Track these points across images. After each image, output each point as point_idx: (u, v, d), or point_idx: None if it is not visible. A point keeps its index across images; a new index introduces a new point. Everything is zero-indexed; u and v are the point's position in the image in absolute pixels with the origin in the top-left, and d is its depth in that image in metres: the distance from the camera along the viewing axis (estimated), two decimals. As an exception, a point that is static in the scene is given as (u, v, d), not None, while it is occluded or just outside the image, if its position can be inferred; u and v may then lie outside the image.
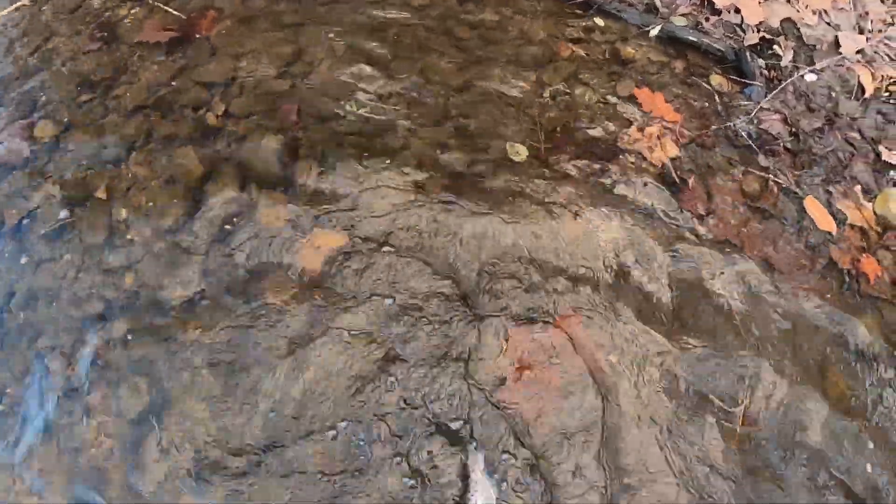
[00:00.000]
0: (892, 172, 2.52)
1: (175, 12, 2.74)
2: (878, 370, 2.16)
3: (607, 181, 2.14)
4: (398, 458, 1.76)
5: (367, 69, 2.40)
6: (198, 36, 2.66)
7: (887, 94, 2.72)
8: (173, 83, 2.52)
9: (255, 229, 2.12)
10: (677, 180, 2.15)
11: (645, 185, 2.12)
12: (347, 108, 2.31)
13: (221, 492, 1.76)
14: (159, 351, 1.92)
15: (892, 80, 2.76)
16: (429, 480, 1.72)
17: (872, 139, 2.56)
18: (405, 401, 1.82)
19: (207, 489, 1.77)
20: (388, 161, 2.19)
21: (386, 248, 2.04)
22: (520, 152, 2.15)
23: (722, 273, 2.07)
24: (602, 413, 1.83)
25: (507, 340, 1.86)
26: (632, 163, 2.18)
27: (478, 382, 1.83)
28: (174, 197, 2.24)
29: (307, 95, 2.38)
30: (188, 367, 1.92)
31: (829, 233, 2.28)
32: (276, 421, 1.82)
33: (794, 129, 2.42)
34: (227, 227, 2.14)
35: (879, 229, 2.40)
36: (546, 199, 2.09)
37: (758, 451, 1.91)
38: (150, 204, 2.23)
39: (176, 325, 2.00)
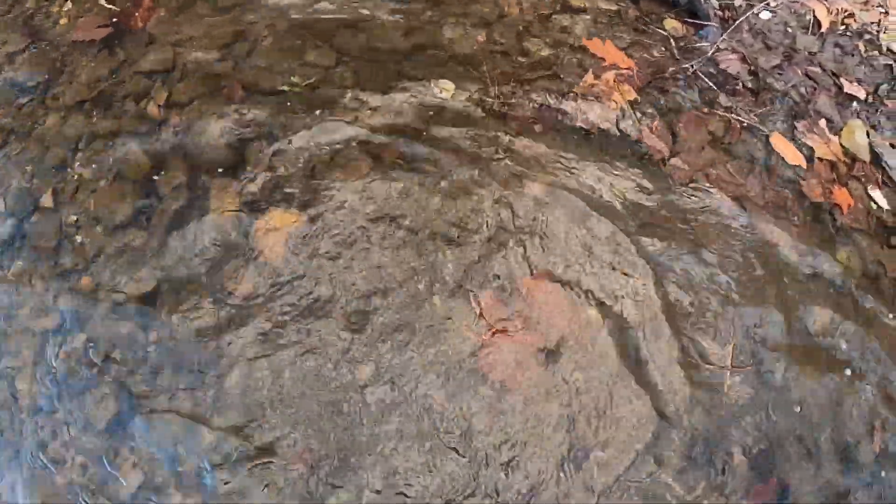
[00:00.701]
0: (854, 104, 2.48)
1: (109, 6, 2.62)
2: (857, 301, 2.12)
3: (566, 130, 2.07)
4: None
5: (312, 41, 2.31)
6: (134, 27, 2.55)
7: (843, 27, 2.69)
8: (113, 78, 2.41)
9: (207, 218, 2.03)
10: (638, 124, 2.09)
11: (604, 131, 2.05)
12: (293, 80, 2.22)
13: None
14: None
15: (847, 14, 2.73)
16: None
17: (833, 73, 2.53)
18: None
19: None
20: (340, 133, 2.11)
21: (347, 220, 1.96)
22: (446, 88, 2.08)
23: (694, 212, 2.02)
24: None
25: (479, 305, 1.79)
26: (590, 110, 2.11)
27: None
28: (123, 195, 2.14)
29: (251, 74, 2.29)
30: (157, 369, 1.83)
31: (799, 167, 2.24)
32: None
33: (752, 68, 2.38)
34: (179, 219, 2.05)
35: (848, 161, 2.36)
36: (505, 155, 2.02)
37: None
38: (100, 205, 2.13)
39: (137, 326, 1.91)
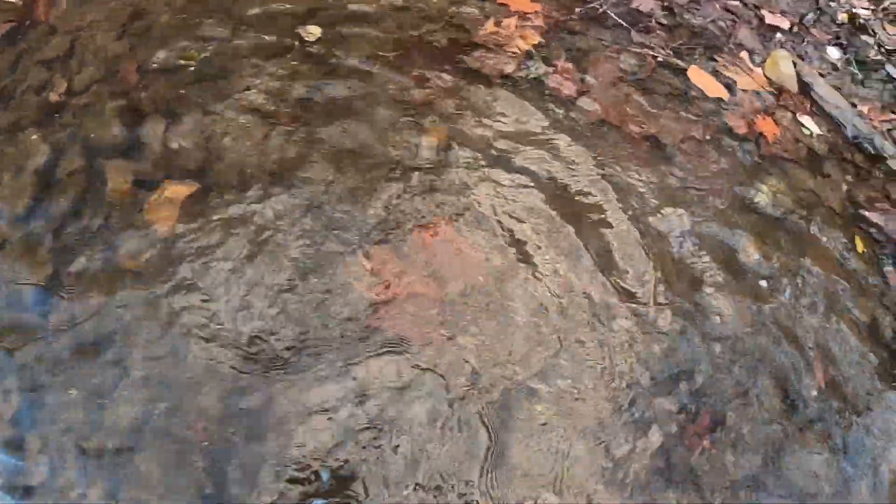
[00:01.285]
0: (778, 35, 2.41)
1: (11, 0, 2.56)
2: (787, 229, 2.04)
3: (467, 79, 1.99)
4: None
5: (208, 14, 2.24)
6: (36, 20, 2.49)
7: (764, -41, 2.62)
8: (14, 71, 2.35)
9: (103, 199, 1.96)
10: (543, 66, 2.01)
11: (507, 76, 1.98)
12: (189, 54, 2.15)
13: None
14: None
15: (767, -55, 2.66)
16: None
17: (755, 5, 2.45)
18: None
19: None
20: (235, 102, 2.03)
21: (241, 189, 1.88)
22: (313, 32, 2.00)
23: (607, 152, 1.94)
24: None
25: (370, 259, 1.71)
26: (491, 57, 2.03)
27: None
28: (23, 185, 2.06)
29: (148, 53, 2.22)
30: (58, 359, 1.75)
31: (721, 99, 2.16)
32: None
33: (666, 4, 2.30)
34: (77, 203, 1.98)
35: (774, 91, 2.28)
36: (405, 109, 1.95)
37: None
38: (2, 199, 2.05)
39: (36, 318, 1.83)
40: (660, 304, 1.79)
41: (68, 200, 1.98)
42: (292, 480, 1.53)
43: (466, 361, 1.62)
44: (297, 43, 2.10)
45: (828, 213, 2.15)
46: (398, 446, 1.55)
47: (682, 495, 1.68)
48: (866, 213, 2.23)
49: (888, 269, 2.19)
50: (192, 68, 2.14)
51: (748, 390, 1.83)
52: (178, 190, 1.92)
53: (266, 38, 2.15)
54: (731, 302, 1.89)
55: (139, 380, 1.69)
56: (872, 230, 2.21)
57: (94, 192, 1.97)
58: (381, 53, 2.03)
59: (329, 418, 1.58)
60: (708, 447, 1.74)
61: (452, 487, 1.55)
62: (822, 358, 1.93)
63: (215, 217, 1.85)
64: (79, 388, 1.70)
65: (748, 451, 1.77)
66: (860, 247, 2.11)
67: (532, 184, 1.85)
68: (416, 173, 1.83)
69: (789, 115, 2.20)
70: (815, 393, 1.90)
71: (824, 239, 2.08)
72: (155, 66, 2.17)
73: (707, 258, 1.91)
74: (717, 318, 1.87)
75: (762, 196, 2.02)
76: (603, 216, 1.87)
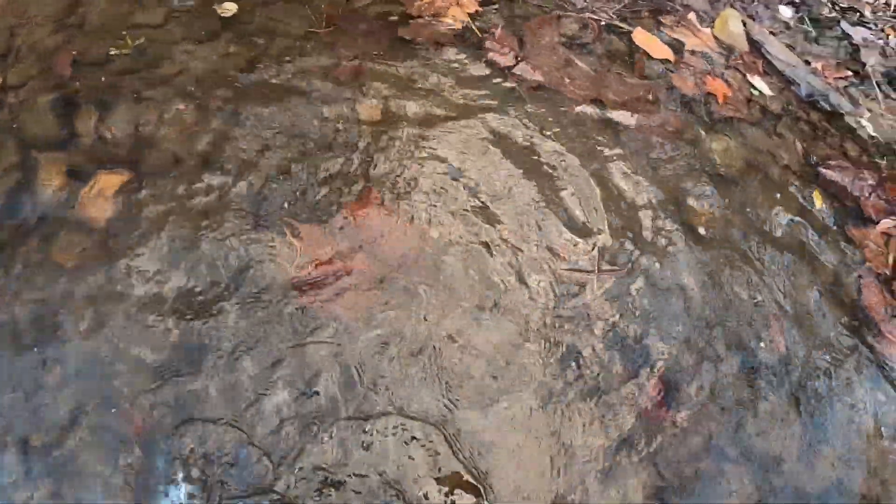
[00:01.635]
0: (728, -6, 2.36)
1: (-53, 1, 2.51)
2: (742, 190, 2.00)
3: (402, 51, 1.94)
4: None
5: (141, 1, 2.19)
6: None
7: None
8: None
9: (38, 193, 1.91)
10: (479, 35, 1.96)
11: (442, 46, 1.93)
12: (121, 42, 2.10)
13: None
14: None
15: None
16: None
17: (703, -34, 2.41)
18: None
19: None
20: (168, 89, 1.99)
21: (174, 175, 1.83)
22: (228, 8, 1.95)
23: (544, 120, 1.89)
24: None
25: (298, 237, 1.66)
26: (427, 27, 1.98)
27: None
28: (-39, 187, 2.01)
29: (82, 44, 2.17)
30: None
31: (668, 61, 2.11)
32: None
33: (610, -33, 2.26)
34: (11, 198, 1.93)
35: (724, 51, 2.24)
36: (338, 85, 1.90)
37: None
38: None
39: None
40: (609, 268, 1.74)
41: (2, 196, 1.94)
42: (227, 464, 1.49)
43: (402, 337, 1.58)
44: (221, 23, 2.05)
45: (783, 171, 2.10)
46: (334, 432, 1.51)
47: (639, 466, 1.64)
48: (824, 171, 2.19)
49: (848, 226, 2.14)
50: (126, 57, 2.10)
51: (704, 354, 1.79)
52: (112, 180, 1.87)
53: (197, 22, 2.10)
54: (684, 264, 1.85)
55: (73, 374, 1.65)
56: (830, 188, 2.16)
57: (28, 187, 1.93)
58: (313, 30, 1.99)
59: (265, 403, 1.54)
60: (663, 415, 1.70)
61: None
62: (781, 320, 1.89)
63: (149, 205, 1.81)
64: (15, 386, 1.66)
65: (707, 419, 1.73)
66: (818, 202, 2.06)
67: (469, 154, 1.80)
68: (350, 148, 1.79)
69: (740, 75, 2.16)
70: (775, 356, 1.86)
71: (780, 198, 2.03)
72: (89, 57, 2.13)
73: (658, 220, 1.86)
74: (670, 280, 1.83)
75: (715, 157, 1.97)
76: (543, 181, 1.82)
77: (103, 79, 2.06)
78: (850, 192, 2.21)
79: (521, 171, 1.80)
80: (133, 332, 1.67)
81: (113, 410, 1.60)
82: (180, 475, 1.48)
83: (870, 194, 2.24)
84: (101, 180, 1.87)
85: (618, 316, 1.74)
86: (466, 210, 1.74)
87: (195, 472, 1.48)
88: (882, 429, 1.83)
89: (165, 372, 1.60)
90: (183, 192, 1.78)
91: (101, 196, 1.86)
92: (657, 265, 1.83)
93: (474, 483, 1.51)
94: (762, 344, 1.85)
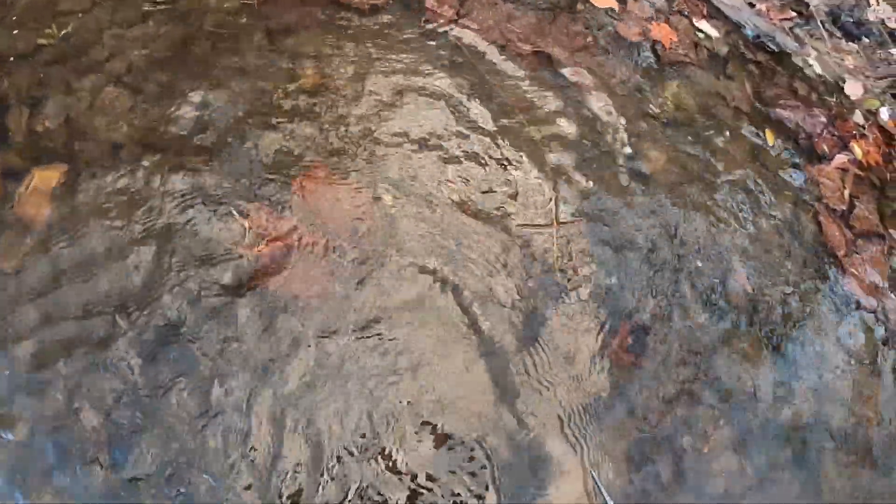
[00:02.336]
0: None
1: None
2: (695, 133, 1.99)
3: (338, 15, 1.89)
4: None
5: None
6: None
7: None
8: None
9: (-29, 197, 1.82)
10: (419, -5, 1.92)
11: (380, 7, 1.87)
12: (48, 32, 2.00)
13: None
14: None
15: None
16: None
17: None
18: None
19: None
20: (99, 76, 1.90)
21: (111, 163, 1.76)
22: None
23: (489, 75, 1.85)
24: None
25: (246, 218, 1.60)
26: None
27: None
28: None
29: (7, 40, 2.07)
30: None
31: (612, 9, 2.08)
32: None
33: (547, -80, 2.21)
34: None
35: (668, -3, 2.22)
36: (275, 55, 1.83)
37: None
38: None
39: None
40: (564, 221, 1.72)
41: (-64, 205, 1.85)
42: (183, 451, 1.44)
43: (356, 310, 1.54)
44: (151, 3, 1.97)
45: (735, 113, 2.10)
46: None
47: (613, 415, 1.63)
48: (775, 110, 2.19)
49: (803, 163, 2.15)
50: (53, 47, 2.00)
51: (669, 301, 1.78)
52: (47, 175, 1.79)
53: (126, 4, 2.02)
54: (642, 211, 1.84)
55: (24, 384, 1.58)
56: (783, 127, 2.17)
57: (-40, 192, 1.83)
58: (246, 2, 1.92)
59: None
60: (633, 362, 1.69)
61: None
62: (743, 262, 1.89)
63: (88, 197, 1.73)
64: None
65: (677, 364, 1.72)
66: (770, 139, 2.07)
67: (415, 117, 1.76)
68: (291, 121, 1.73)
69: (685, 19, 2.15)
70: (741, 298, 1.86)
71: (733, 139, 2.03)
72: (14, 52, 2.03)
73: (612, 168, 1.84)
74: (630, 228, 1.81)
75: (666, 102, 1.96)
76: (491, 138, 1.79)
77: (31, 73, 1.97)
78: (803, 130, 2.22)
79: (467, 129, 1.77)
80: (80, 331, 1.60)
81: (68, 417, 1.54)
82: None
83: (822, 131, 2.26)
84: (36, 177, 1.79)
85: (579, 266, 1.72)
86: (413, 175, 1.70)
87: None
88: (851, 362, 1.84)
89: (120, 367, 1.55)
90: (124, 181, 1.71)
91: (38, 193, 1.77)
92: (615, 213, 1.81)
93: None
94: (726, 285, 1.85)
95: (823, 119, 2.27)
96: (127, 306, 1.61)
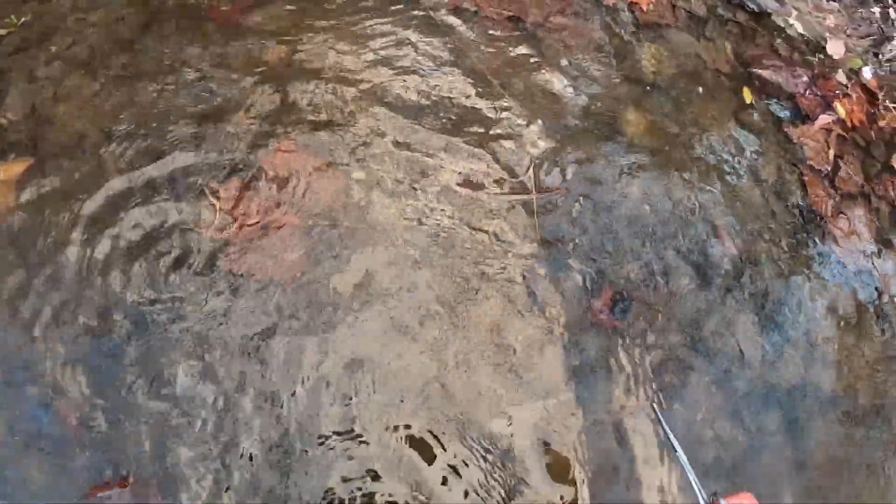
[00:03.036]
0: None
1: None
2: (675, 96, 1.95)
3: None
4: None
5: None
6: None
7: None
8: None
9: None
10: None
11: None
12: (7, 21, 1.94)
13: None
14: None
15: None
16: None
17: None
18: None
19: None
20: (62, 63, 1.85)
21: (77, 150, 1.71)
22: None
23: (463, 42, 1.80)
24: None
25: (216, 198, 1.56)
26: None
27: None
28: None
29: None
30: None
31: (585, -24, 2.03)
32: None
33: None
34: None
35: (643, -40, 2.16)
36: (240, 34, 1.78)
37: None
38: None
39: None
40: (546, 188, 1.69)
41: None
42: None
43: (338, 292, 1.51)
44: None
45: (715, 74, 2.07)
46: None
47: (606, 384, 1.61)
48: (757, 71, 2.15)
49: (786, 124, 2.12)
50: (14, 36, 1.94)
51: (653, 267, 1.75)
52: (12, 168, 1.74)
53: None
54: (624, 177, 1.80)
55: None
56: (765, 87, 2.13)
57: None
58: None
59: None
60: (618, 326, 1.66)
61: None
62: (728, 225, 1.86)
63: (55, 187, 1.68)
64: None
65: (667, 331, 1.70)
66: (748, 98, 2.04)
67: (389, 85, 1.71)
68: (260, 97, 1.68)
69: (662, -19, 2.10)
70: (726, 262, 1.84)
71: (714, 101, 2.00)
72: (-28, 43, 1.96)
73: (593, 133, 1.80)
74: (612, 194, 1.78)
75: (645, 65, 1.92)
76: (469, 102, 1.75)
77: (-6, 63, 1.91)
78: (785, 90, 2.18)
79: (445, 97, 1.72)
80: (55, 327, 1.56)
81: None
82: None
83: (805, 91, 2.22)
84: (1, 170, 1.74)
85: (557, 229, 1.68)
86: (391, 146, 1.66)
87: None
88: (839, 323, 1.83)
89: (102, 358, 1.51)
90: (91, 170, 1.66)
91: (3, 188, 1.72)
92: (597, 180, 1.78)
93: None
94: (711, 250, 1.83)
95: (806, 79, 2.23)
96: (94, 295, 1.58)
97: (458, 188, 1.65)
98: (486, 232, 1.63)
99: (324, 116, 1.67)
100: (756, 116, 2.06)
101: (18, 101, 1.82)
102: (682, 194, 1.84)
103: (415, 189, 1.63)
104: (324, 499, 1.36)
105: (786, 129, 2.11)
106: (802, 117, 2.15)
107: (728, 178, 1.92)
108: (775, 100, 2.13)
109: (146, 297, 1.53)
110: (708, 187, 1.88)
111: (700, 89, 1.99)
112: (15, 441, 1.42)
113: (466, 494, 1.39)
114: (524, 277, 1.60)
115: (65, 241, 1.62)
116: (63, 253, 1.61)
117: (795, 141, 2.09)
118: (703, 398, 1.65)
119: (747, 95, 2.04)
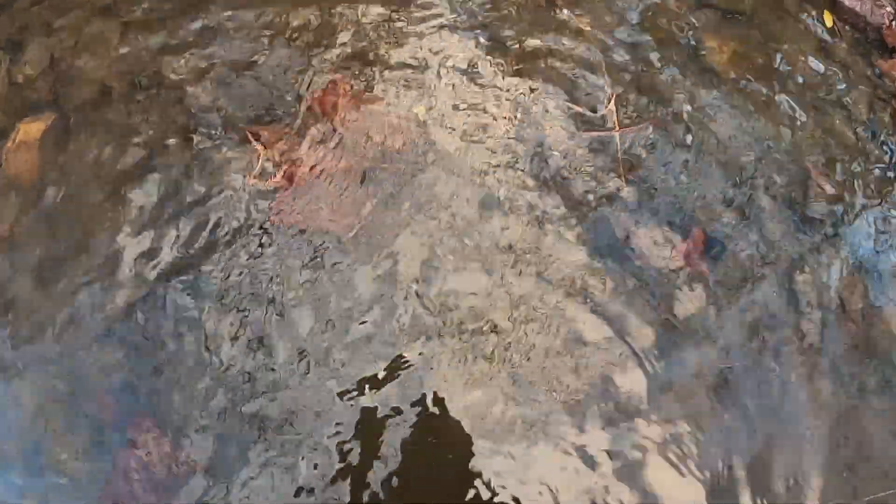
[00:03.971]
0: None
1: None
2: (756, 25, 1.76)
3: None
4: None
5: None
6: None
7: None
8: None
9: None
10: None
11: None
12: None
13: None
14: None
15: None
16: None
17: None
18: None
19: None
20: (81, 11, 1.71)
21: (102, 105, 1.57)
22: None
23: None
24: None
25: (259, 140, 1.40)
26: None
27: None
28: None
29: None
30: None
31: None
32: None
33: None
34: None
35: None
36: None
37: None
38: None
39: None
40: (630, 124, 1.50)
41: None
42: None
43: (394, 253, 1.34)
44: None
45: (798, 2, 1.87)
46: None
47: (693, 344, 1.43)
48: (840, 1, 1.94)
49: (874, 57, 1.91)
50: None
51: (744, 209, 1.56)
52: (33, 127, 1.61)
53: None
54: (710, 111, 1.62)
55: (36, 356, 1.41)
56: (850, 18, 1.93)
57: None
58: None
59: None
60: (705, 271, 1.47)
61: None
62: (820, 162, 1.67)
63: (79, 145, 1.54)
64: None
65: (758, 281, 1.51)
66: (829, 21, 1.84)
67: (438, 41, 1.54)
68: (301, 35, 1.51)
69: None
70: (822, 202, 1.64)
71: (799, 31, 1.80)
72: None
73: (675, 66, 1.61)
74: (696, 131, 1.59)
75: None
76: (539, 42, 1.57)
77: (8, 19, 1.77)
78: (870, 22, 1.98)
79: (512, 45, 1.55)
80: (90, 302, 1.43)
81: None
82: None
83: (891, 22, 2.01)
84: (21, 131, 1.61)
85: (647, 174, 1.51)
86: (450, 88, 1.49)
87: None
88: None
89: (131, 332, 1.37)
90: (115, 122, 1.52)
91: (26, 149, 1.59)
92: (681, 116, 1.60)
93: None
94: (807, 190, 1.63)
95: (892, 9, 2.02)
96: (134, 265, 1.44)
97: (530, 125, 1.47)
98: (566, 175, 1.46)
99: (377, 55, 1.50)
100: (844, 49, 1.86)
101: (37, 57, 1.69)
102: (770, 131, 1.65)
103: (480, 128, 1.46)
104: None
105: (873, 63, 1.90)
106: (890, 50, 1.95)
107: (819, 113, 1.72)
108: (861, 31, 1.93)
109: (184, 258, 1.38)
110: (799, 122, 1.69)
111: (783, 19, 1.79)
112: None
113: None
114: (605, 221, 1.42)
115: (90, 208, 1.47)
116: (90, 224, 1.47)
117: (884, 74, 1.89)
118: (792, 350, 1.46)
119: (827, 19, 1.85)
